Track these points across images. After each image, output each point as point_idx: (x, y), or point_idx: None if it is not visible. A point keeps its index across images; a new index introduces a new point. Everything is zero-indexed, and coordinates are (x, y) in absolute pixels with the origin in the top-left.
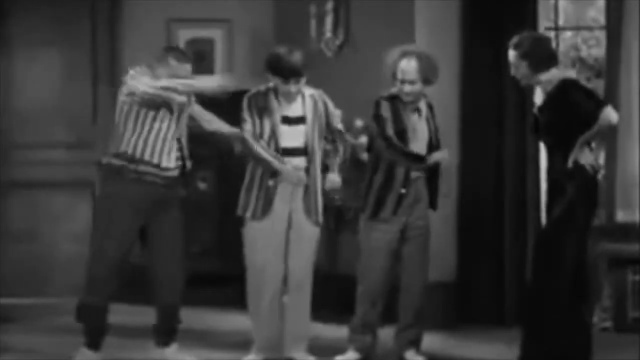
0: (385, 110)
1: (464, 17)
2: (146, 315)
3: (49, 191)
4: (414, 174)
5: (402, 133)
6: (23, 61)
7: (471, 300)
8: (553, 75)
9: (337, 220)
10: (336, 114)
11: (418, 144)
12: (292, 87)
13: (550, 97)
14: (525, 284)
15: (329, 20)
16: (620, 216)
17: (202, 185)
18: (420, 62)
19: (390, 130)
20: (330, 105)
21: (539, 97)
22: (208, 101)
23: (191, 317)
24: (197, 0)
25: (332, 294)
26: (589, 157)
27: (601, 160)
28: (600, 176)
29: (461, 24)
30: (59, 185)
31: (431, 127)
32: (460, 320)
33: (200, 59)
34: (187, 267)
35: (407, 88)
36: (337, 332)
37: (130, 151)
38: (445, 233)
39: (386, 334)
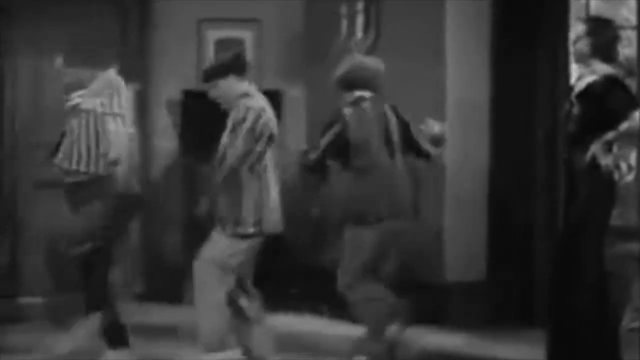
0: None
1: (494, 17)
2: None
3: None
4: None
5: None
6: (51, 61)
7: (501, 301)
8: (603, 68)
9: None
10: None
11: None
12: (210, 93)
13: (589, 88)
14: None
15: (359, 21)
16: None
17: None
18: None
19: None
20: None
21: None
22: None
23: None
24: (227, 0)
25: None
26: (609, 158)
27: (632, 160)
28: (633, 177)
29: (492, 24)
30: None
31: None
32: (490, 321)
33: None
34: None
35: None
36: None
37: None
38: (475, 233)
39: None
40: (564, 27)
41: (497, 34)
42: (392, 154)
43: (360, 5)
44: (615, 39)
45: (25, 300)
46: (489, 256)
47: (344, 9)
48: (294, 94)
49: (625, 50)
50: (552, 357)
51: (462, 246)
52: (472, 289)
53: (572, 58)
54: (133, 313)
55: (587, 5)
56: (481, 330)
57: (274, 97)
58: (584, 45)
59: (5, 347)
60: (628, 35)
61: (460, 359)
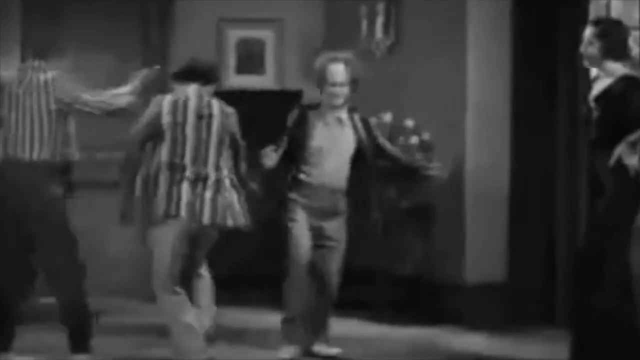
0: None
1: (515, 16)
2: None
3: (98, 191)
4: None
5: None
6: (76, 61)
7: (522, 301)
8: (618, 68)
9: None
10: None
11: (337, 156)
12: None
13: (608, 90)
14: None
15: (379, 21)
16: None
17: (253, 185)
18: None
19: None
20: None
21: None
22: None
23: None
24: (248, 0)
25: None
26: (634, 159)
27: None
28: None
29: (512, 23)
30: (108, 185)
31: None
32: (511, 321)
33: (251, 59)
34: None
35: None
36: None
37: None
38: (496, 233)
39: None
40: (583, 29)
41: (518, 33)
42: None
43: (380, 6)
44: (626, 39)
45: (44, 300)
46: (509, 257)
47: (364, 10)
48: (315, 94)
49: (637, 49)
50: (576, 357)
51: (482, 247)
52: (493, 289)
53: (584, 62)
54: (147, 314)
55: (608, 5)
56: (502, 330)
57: (295, 97)
58: (595, 49)
59: (24, 347)
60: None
61: (483, 359)
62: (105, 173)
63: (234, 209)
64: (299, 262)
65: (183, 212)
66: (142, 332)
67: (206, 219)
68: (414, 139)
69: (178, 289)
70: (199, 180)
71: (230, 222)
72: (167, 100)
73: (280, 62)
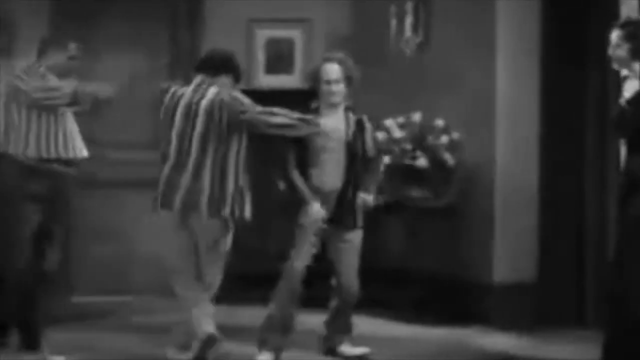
0: None
1: (545, 16)
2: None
3: (129, 190)
4: None
5: None
6: (106, 61)
7: (552, 301)
8: None
9: None
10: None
11: (334, 156)
12: None
13: (638, 95)
14: (606, 284)
15: (408, 20)
16: None
17: (282, 186)
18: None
19: None
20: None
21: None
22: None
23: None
24: (277, 0)
25: None
26: None
27: None
28: None
29: (542, 23)
30: (139, 184)
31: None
32: (541, 321)
33: (280, 59)
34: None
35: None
36: None
37: None
38: (526, 233)
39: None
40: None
41: (548, 34)
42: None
43: (409, 6)
44: None
45: (77, 299)
46: (539, 256)
47: (393, 9)
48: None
49: None
50: (609, 356)
51: (512, 246)
52: (522, 289)
53: (613, 64)
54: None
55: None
56: (531, 330)
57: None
58: (623, 51)
59: (57, 346)
60: None
61: (511, 359)
62: (124, 171)
63: (214, 198)
64: (298, 265)
65: (159, 201)
66: (162, 330)
67: (177, 204)
68: (444, 139)
69: (194, 283)
70: (180, 167)
71: (203, 210)
72: (169, 93)
73: (309, 61)
